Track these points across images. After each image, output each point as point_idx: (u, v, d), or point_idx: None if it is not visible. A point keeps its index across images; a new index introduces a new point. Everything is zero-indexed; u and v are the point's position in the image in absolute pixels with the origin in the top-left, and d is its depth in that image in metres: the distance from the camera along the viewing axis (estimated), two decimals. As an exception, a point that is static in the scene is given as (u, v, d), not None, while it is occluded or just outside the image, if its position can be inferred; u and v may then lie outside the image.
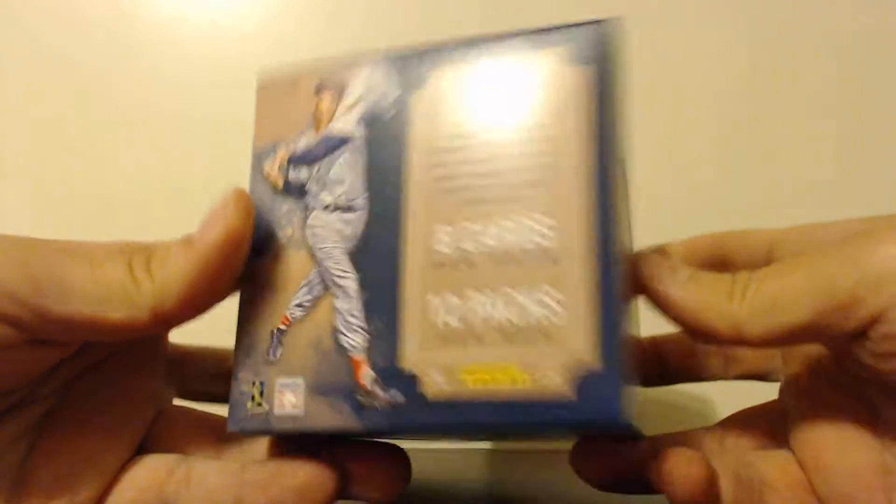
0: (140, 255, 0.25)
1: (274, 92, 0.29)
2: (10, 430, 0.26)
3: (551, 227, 0.24)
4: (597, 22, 0.25)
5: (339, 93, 0.28)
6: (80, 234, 0.29)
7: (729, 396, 0.33)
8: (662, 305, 0.26)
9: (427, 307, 0.25)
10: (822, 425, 0.26)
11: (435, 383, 0.24)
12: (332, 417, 0.25)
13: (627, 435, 0.26)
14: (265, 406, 0.26)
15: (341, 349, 0.25)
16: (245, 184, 0.28)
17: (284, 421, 0.25)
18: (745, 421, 0.30)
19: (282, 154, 0.28)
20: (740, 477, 0.26)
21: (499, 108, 0.26)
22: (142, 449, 0.29)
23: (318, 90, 0.28)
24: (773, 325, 0.23)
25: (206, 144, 0.48)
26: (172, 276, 0.24)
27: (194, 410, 0.32)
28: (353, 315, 0.25)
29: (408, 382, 0.24)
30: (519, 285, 0.24)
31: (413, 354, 0.24)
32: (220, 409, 0.32)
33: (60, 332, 0.24)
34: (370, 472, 0.28)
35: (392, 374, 0.24)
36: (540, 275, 0.24)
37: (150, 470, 0.27)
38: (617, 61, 0.25)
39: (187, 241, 0.25)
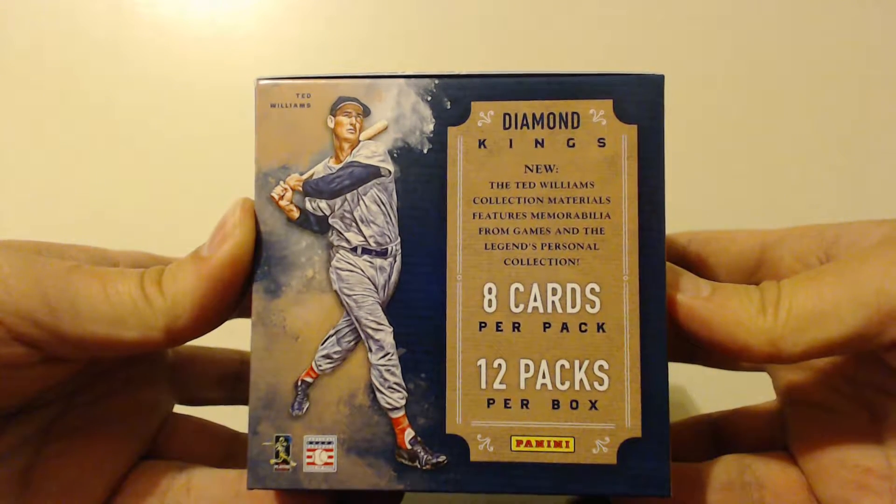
0: (151, 272, 0.24)
1: (280, 104, 0.25)
2: (17, 434, 0.25)
3: (599, 294, 0.24)
4: (642, 76, 0.24)
5: (362, 115, 0.25)
6: (77, 236, 0.29)
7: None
8: (685, 320, 0.24)
9: (475, 371, 0.24)
10: (822, 429, 0.27)
11: (483, 448, 0.24)
12: (369, 477, 0.24)
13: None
14: (292, 462, 0.24)
15: (379, 407, 0.24)
16: (246, 190, 0.26)
17: (315, 479, 0.24)
18: (744, 420, 0.31)
19: (294, 180, 0.25)
20: (738, 481, 0.27)
21: (546, 159, 0.24)
22: (145, 456, 0.28)
23: (336, 110, 0.25)
24: (815, 341, 0.23)
25: (205, 145, 0.46)
26: (184, 293, 0.24)
27: (196, 418, 0.31)
28: (390, 371, 0.24)
29: (454, 446, 0.24)
30: (567, 355, 0.24)
31: (460, 418, 0.24)
32: (221, 417, 0.32)
33: (75, 351, 0.24)
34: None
35: (437, 436, 0.24)
36: (588, 345, 0.24)
37: (152, 477, 0.27)
38: (661, 119, 0.24)
39: (198, 258, 0.24)
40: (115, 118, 0.47)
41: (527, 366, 0.24)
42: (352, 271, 0.25)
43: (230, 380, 0.33)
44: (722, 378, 0.34)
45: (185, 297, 0.24)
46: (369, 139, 0.25)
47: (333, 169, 0.25)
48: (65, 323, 0.23)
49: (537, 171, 0.24)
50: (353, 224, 0.25)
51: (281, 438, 0.24)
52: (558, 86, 0.24)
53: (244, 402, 0.29)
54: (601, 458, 0.23)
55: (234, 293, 0.25)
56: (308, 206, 0.25)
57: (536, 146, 0.24)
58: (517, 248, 0.24)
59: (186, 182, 0.46)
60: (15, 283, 0.23)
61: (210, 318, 0.24)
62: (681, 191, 0.35)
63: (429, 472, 0.24)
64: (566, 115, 0.24)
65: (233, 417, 0.32)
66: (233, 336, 0.32)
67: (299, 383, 0.25)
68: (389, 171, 0.25)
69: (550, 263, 0.24)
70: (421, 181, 0.25)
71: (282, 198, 0.25)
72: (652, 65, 0.25)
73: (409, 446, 0.24)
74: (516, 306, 0.24)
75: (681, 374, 0.41)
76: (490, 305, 0.24)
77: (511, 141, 0.24)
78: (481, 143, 0.24)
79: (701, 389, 0.42)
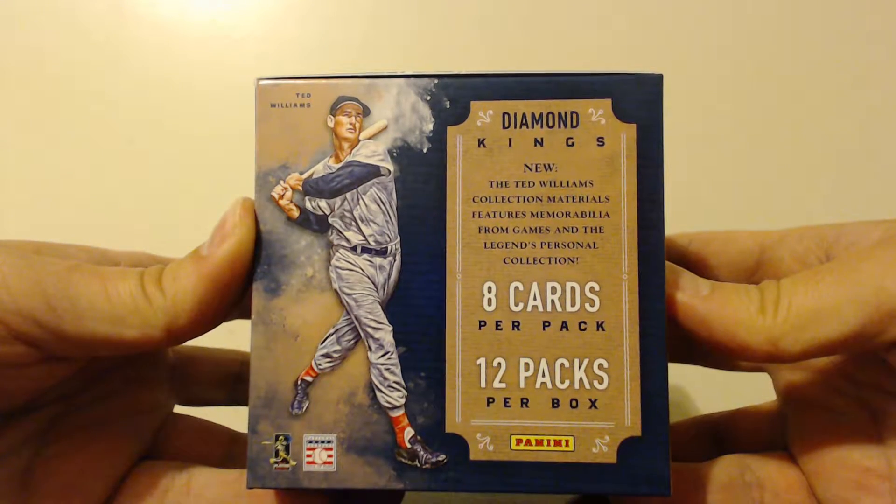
0: (151, 270, 0.24)
1: (280, 104, 0.25)
2: (17, 434, 0.25)
3: (598, 293, 0.24)
4: (641, 75, 0.24)
5: (361, 115, 0.25)
6: (77, 236, 0.29)
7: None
8: (684, 319, 0.24)
9: (475, 370, 0.24)
10: (823, 430, 0.27)
11: (482, 447, 0.24)
12: (369, 476, 0.24)
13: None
14: (292, 461, 0.24)
15: (378, 406, 0.24)
16: (246, 189, 0.26)
17: (315, 478, 0.24)
18: (744, 421, 0.31)
19: (294, 179, 0.25)
20: (738, 481, 0.27)
21: (545, 158, 0.24)
22: (145, 456, 0.28)
23: (336, 109, 0.25)
24: (814, 340, 0.23)
25: (205, 145, 0.46)
26: (184, 292, 0.24)
27: (196, 419, 0.31)
28: (389, 370, 0.24)
29: (454, 445, 0.24)
30: (567, 353, 0.24)
31: (460, 417, 0.24)
32: (221, 417, 0.32)
33: (75, 349, 0.24)
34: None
35: (437, 435, 0.24)
36: (588, 343, 0.24)
37: (152, 478, 0.27)
38: (660, 118, 0.24)
39: (197, 256, 0.24)
40: (115, 118, 0.47)
41: (526, 364, 0.24)
42: (351, 270, 0.25)
43: (230, 380, 0.33)
44: (722, 378, 0.34)
45: (186, 296, 0.24)
46: (369, 138, 0.25)
47: (333, 168, 0.25)
48: (65, 322, 0.23)
49: (536, 170, 0.24)
50: (353, 223, 0.25)
51: (280, 437, 0.24)
52: (557, 85, 0.24)
53: (244, 402, 0.29)
54: (601, 457, 0.23)
55: (233, 292, 0.25)
56: (308, 205, 0.25)
57: (536, 145, 0.24)
58: (516, 246, 0.24)
59: (186, 182, 0.46)
60: (15, 282, 0.23)
61: (210, 316, 0.24)
62: (680, 190, 0.35)
63: (428, 471, 0.24)
64: (565, 114, 0.24)
65: (233, 417, 0.32)
66: (233, 336, 0.32)
67: (299, 382, 0.25)
68: (389, 171, 0.25)
69: (550, 262, 0.24)
70: (420, 180, 0.25)
71: (282, 197, 0.25)
72: (651, 64, 0.25)
73: (408, 445, 0.24)
74: (516, 305, 0.24)
75: (681, 374, 0.41)
76: (489, 304, 0.24)
77: (510, 140, 0.24)
78: (480, 143, 0.24)
79: (701, 389, 0.42)
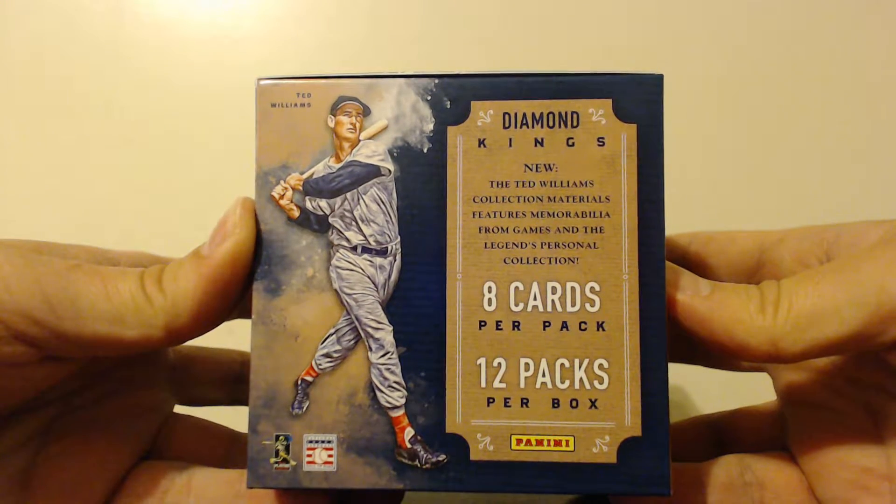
0: (151, 270, 0.24)
1: (281, 104, 0.25)
2: (17, 434, 0.25)
3: (598, 293, 0.24)
4: (641, 75, 0.24)
5: (362, 115, 0.25)
6: (78, 236, 0.29)
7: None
8: (684, 319, 0.24)
9: (475, 370, 0.24)
10: (823, 430, 0.27)
11: (483, 447, 0.24)
12: (369, 476, 0.24)
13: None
14: (292, 461, 0.24)
15: (379, 406, 0.24)
16: (247, 189, 0.26)
17: (315, 478, 0.24)
18: (744, 420, 0.31)
19: (294, 179, 0.25)
20: (738, 480, 0.27)
21: (545, 158, 0.24)
22: (145, 456, 0.28)
23: (336, 109, 0.25)
24: (814, 340, 0.23)
25: (206, 145, 0.46)
26: (184, 292, 0.24)
27: (196, 418, 0.31)
28: (390, 370, 0.24)
29: (454, 445, 0.24)
30: (567, 353, 0.24)
31: (460, 417, 0.24)
32: (221, 417, 0.32)
33: (75, 349, 0.24)
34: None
35: (437, 435, 0.24)
36: (588, 343, 0.24)
37: (152, 478, 0.27)
38: (660, 118, 0.24)
39: (197, 256, 0.24)
40: (115, 118, 0.47)
41: (526, 364, 0.24)
42: (352, 270, 0.25)
43: (230, 380, 0.33)
44: (722, 378, 0.34)
45: (186, 296, 0.24)
46: (369, 138, 0.25)
47: (334, 168, 0.25)
48: (65, 321, 0.23)
49: (537, 170, 0.24)
50: (353, 223, 0.25)
51: (281, 437, 0.24)
52: (558, 85, 0.24)
53: (244, 402, 0.29)
54: (601, 457, 0.23)
55: (234, 292, 0.25)
56: (308, 205, 0.25)
57: (536, 145, 0.24)
58: (517, 246, 0.24)
59: (187, 182, 0.46)
60: (15, 281, 0.23)
61: (210, 316, 0.24)
62: (680, 190, 0.35)
63: (429, 471, 0.24)
64: (566, 114, 0.24)
65: (233, 417, 0.32)
66: (233, 336, 0.32)
67: (299, 382, 0.25)
68: (389, 171, 0.25)
69: (550, 262, 0.24)
70: (421, 180, 0.25)
71: (282, 197, 0.25)
72: (651, 64, 0.25)
73: (409, 445, 0.24)
74: (516, 305, 0.24)
75: (681, 374, 0.41)
76: (490, 304, 0.24)
77: (511, 140, 0.24)
78: (481, 143, 0.24)
79: (701, 389, 0.42)
